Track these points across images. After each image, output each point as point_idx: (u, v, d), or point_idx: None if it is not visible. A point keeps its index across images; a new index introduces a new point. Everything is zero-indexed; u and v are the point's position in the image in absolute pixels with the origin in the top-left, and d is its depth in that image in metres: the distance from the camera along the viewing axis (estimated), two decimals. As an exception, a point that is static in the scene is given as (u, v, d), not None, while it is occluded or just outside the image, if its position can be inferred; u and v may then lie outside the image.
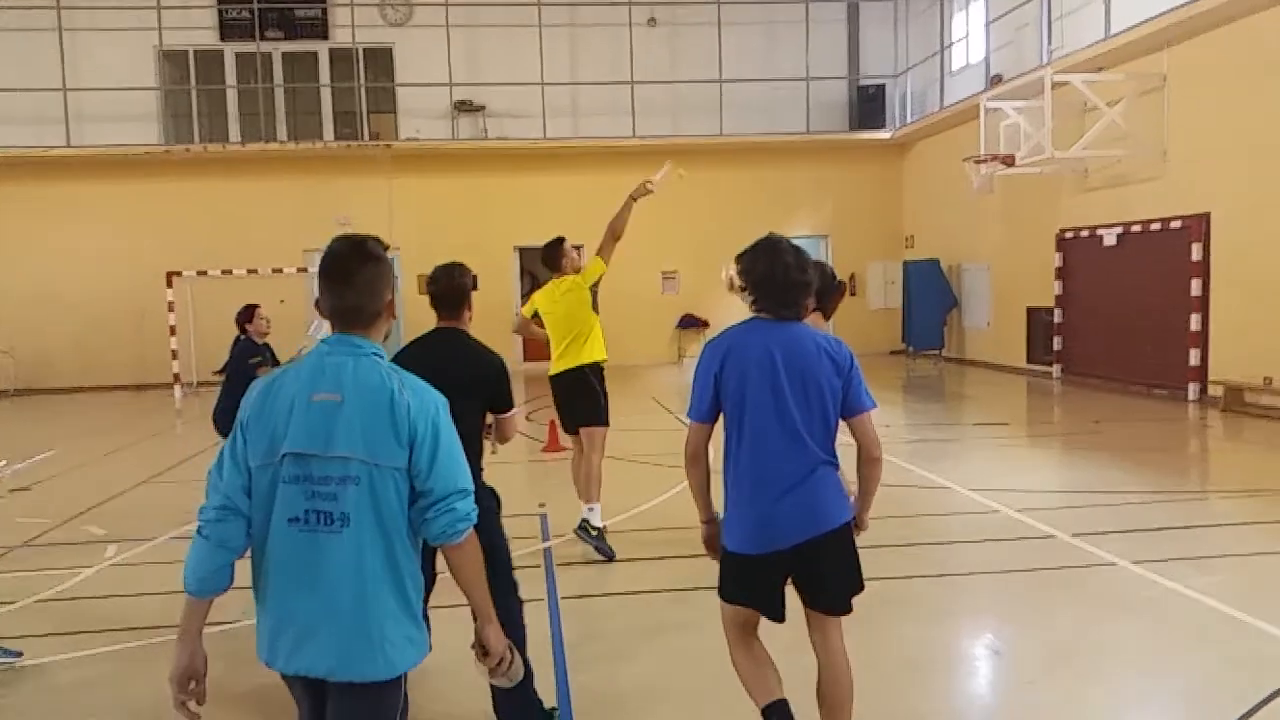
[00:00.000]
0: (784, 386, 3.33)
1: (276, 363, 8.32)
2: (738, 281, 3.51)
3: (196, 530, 2.51)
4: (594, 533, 6.62)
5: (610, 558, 6.54)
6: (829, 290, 5.50)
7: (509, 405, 4.19)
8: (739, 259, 3.51)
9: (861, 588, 3.55)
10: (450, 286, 4.14)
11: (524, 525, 7.19)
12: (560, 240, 7.20)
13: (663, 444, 10.66)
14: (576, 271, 7.14)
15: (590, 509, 6.70)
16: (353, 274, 2.58)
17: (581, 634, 5.25)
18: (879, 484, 3.63)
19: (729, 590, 3.54)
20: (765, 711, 3.43)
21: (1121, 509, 7.60)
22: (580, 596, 5.91)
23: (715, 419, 3.49)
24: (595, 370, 6.95)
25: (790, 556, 3.39)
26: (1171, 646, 4.95)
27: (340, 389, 2.49)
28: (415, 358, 3.88)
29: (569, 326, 6.95)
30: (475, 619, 2.66)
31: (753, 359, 3.36)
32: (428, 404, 2.53)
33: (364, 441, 2.44)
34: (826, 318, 5.59)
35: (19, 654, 5.36)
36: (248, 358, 8.03)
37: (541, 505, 8.00)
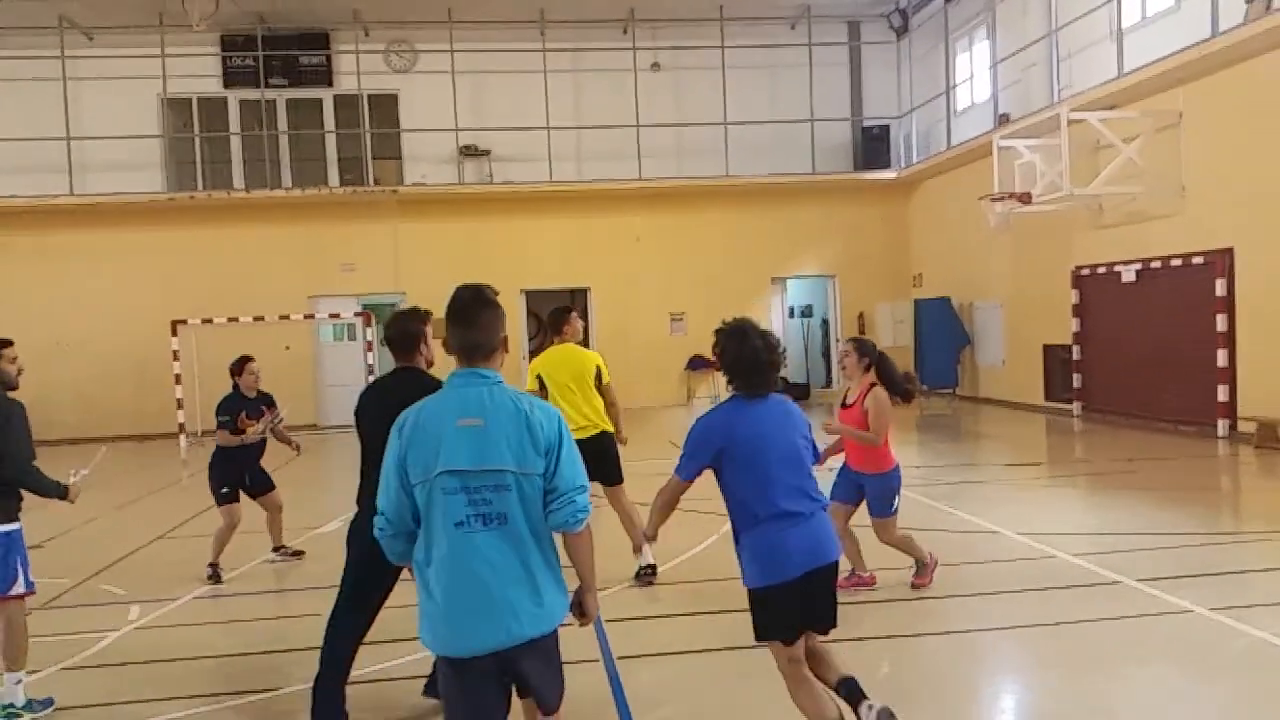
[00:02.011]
0: (784, 447, 3.90)
1: (265, 414, 7.98)
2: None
3: (378, 533, 3.14)
4: (648, 570, 7.13)
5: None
6: (887, 368, 6.38)
7: None
8: (716, 334, 4.06)
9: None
10: (401, 332, 4.64)
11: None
12: (569, 310, 7.46)
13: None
14: (577, 340, 7.39)
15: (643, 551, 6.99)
16: (476, 316, 3.16)
17: (644, 698, 4.96)
18: None
19: (777, 626, 3.88)
20: None
21: (1181, 551, 7.36)
22: (636, 656, 5.61)
23: (694, 480, 4.04)
24: (610, 436, 7.31)
25: (801, 582, 3.82)
26: (1272, 701, 4.68)
27: (482, 414, 3.03)
28: (377, 394, 4.60)
29: (579, 391, 7.12)
30: (581, 587, 3.24)
31: (754, 428, 3.90)
32: (552, 419, 3.11)
33: (513, 455, 3.00)
34: (905, 398, 6.42)
35: (51, 701, 5.13)
36: (220, 414, 7.91)
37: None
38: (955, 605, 6.28)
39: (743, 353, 3.93)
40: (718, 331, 4.04)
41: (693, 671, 5.42)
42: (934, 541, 7.67)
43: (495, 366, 3.16)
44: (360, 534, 4.74)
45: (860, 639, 5.75)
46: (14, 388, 5.17)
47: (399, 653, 5.53)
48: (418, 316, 4.75)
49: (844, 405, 6.57)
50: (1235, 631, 5.49)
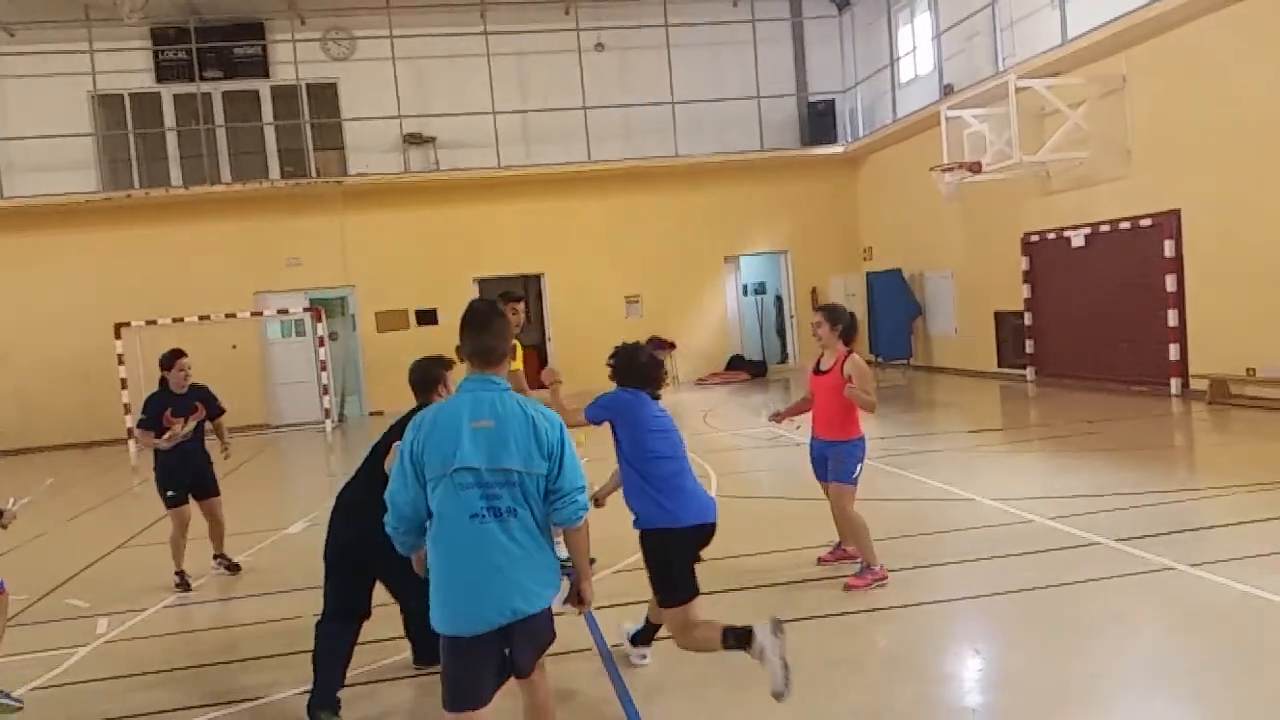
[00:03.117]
0: (670, 430, 4.87)
1: (196, 409, 7.65)
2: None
3: (391, 529, 3.53)
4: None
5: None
6: (852, 330, 6.64)
7: None
8: (610, 355, 5.03)
9: None
10: (424, 376, 5.11)
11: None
12: (515, 299, 7.22)
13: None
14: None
15: None
16: (490, 323, 3.57)
17: (643, 684, 4.90)
18: None
19: (693, 581, 4.66)
20: (729, 632, 4.47)
21: (1154, 510, 7.47)
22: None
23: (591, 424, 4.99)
24: None
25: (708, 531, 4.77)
26: (1269, 655, 4.74)
27: (494, 417, 3.40)
28: (393, 426, 4.96)
29: None
30: (578, 576, 3.71)
31: (646, 412, 4.85)
32: (555, 425, 3.50)
33: (520, 457, 3.38)
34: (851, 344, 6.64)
35: (20, 703, 5.05)
36: (141, 412, 7.60)
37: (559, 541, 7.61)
38: (943, 573, 6.31)
39: (631, 367, 4.96)
40: (610, 355, 5.01)
41: (685, 656, 5.34)
42: (910, 511, 7.75)
43: (502, 372, 3.56)
44: (336, 549, 4.91)
45: (851, 613, 5.75)
46: None
47: (387, 652, 5.42)
48: (440, 363, 5.21)
49: (818, 372, 6.51)
50: (1219, 586, 5.57)
